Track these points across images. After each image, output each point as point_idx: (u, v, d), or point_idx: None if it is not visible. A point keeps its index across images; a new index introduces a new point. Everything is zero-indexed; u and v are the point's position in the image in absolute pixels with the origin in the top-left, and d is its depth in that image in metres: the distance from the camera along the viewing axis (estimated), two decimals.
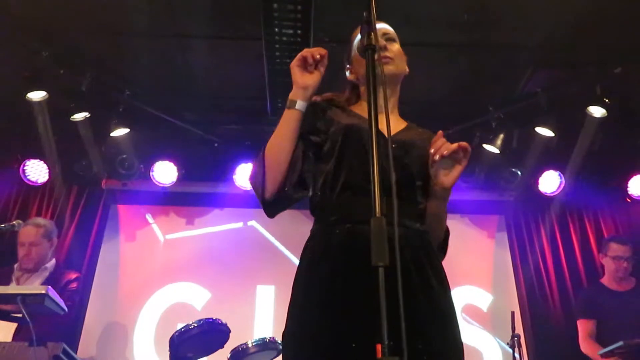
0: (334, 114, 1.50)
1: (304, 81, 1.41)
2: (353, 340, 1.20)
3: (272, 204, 1.43)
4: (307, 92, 1.42)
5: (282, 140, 1.40)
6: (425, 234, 1.40)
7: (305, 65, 1.41)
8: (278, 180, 1.39)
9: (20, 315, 2.32)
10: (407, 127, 1.59)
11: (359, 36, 1.55)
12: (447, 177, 1.38)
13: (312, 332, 1.25)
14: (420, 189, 1.44)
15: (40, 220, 3.53)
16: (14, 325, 2.95)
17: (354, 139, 1.42)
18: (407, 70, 1.60)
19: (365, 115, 1.48)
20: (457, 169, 1.37)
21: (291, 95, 1.42)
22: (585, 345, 3.50)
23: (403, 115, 1.63)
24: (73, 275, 3.40)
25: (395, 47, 1.56)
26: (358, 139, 1.41)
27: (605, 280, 3.72)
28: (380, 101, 1.19)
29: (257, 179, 1.41)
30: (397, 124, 1.56)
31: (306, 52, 1.41)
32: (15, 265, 3.39)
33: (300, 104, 1.41)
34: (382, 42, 1.47)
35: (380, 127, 1.11)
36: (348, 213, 1.34)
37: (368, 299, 1.18)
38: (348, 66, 1.64)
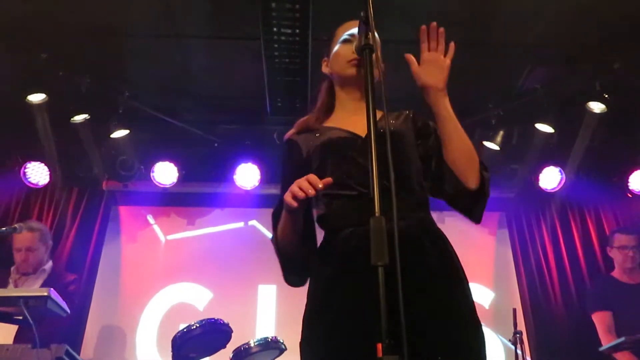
0: (308, 140, 1.54)
1: (295, 207, 1.30)
2: (354, 341, 1.21)
3: (293, 282, 1.55)
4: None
5: (288, 235, 1.45)
6: (426, 221, 1.40)
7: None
8: (292, 260, 1.50)
9: (20, 317, 2.32)
10: (383, 116, 1.54)
11: (345, 35, 1.56)
12: (429, 75, 1.42)
13: (319, 337, 1.29)
14: (414, 176, 1.44)
15: (34, 224, 3.50)
16: (15, 328, 2.95)
17: (333, 151, 1.46)
18: (379, 78, 1.59)
19: (340, 124, 1.53)
20: (442, 64, 1.42)
21: (286, 208, 1.36)
22: (607, 340, 3.42)
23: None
24: (71, 277, 3.41)
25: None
26: (336, 150, 1.46)
27: (616, 274, 3.71)
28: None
29: (279, 260, 1.54)
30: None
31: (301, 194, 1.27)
32: (12, 268, 3.38)
33: (298, 210, 1.34)
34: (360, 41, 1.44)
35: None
36: (346, 219, 1.38)
37: (367, 298, 1.19)
38: (326, 59, 1.66)
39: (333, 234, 1.41)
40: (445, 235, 1.41)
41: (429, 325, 1.22)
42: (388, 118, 1.53)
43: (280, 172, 1.61)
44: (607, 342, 3.41)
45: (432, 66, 1.42)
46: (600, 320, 3.54)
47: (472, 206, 1.42)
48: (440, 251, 1.34)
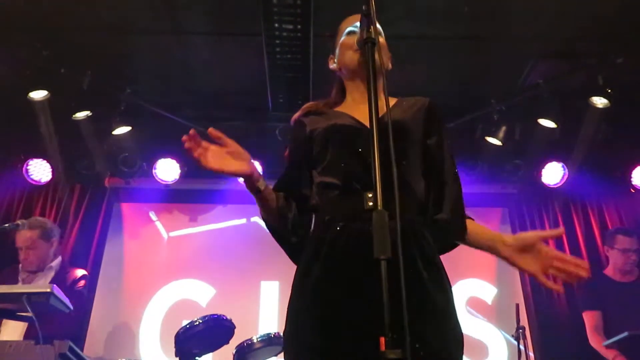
0: (315, 122, 1.52)
1: (235, 173, 1.42)
2: (343, 335, 1.21)
3: (292, 252, 1.53)
4: (252, 179, 1.40)
5: (265, 210, 1.48)
6: (419, 224, 1.36)
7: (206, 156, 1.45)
8: (280, 232, 1.53)
9: (28, 314, 2.33)
10: (396, 104, 1.55)
11: (350, 27, 1.55)
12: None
13: (304, 331, 1.27)
14: (413, 174, 1.42)
15: (36, 221, 3.42)
16: (25, 325, 2.97)
17: (335, 139, 1.44)
18: (390, 66, 1.58)
19: (349, 111, 1.51)
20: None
21: (247, 188, 1.43)
22: (593, 338, 3.45)
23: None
24: (80, 274, 3.38)
25: (380, 40, 1.54)
26: (339, 138, 1.43)
27: (609, 272, 3.69)
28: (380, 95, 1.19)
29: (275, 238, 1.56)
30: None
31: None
32: (20, 266, 3.37)
33: (259, 187, 1.41)
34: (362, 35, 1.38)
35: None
36: (338, 212, 1.35)
37: (361, 293, 1.19)
38: (332, 56, 1.64)
39: (324, 226, 1.37)
40: (431, 244, 1.37)
41: (418, 321, 1.19)
42: (401, 105, 1.53)
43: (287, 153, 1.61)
44: (593, 341, 3.44)
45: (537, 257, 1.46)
46: (589, 320, 3.54)
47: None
48: (424, 255, 1.31)
